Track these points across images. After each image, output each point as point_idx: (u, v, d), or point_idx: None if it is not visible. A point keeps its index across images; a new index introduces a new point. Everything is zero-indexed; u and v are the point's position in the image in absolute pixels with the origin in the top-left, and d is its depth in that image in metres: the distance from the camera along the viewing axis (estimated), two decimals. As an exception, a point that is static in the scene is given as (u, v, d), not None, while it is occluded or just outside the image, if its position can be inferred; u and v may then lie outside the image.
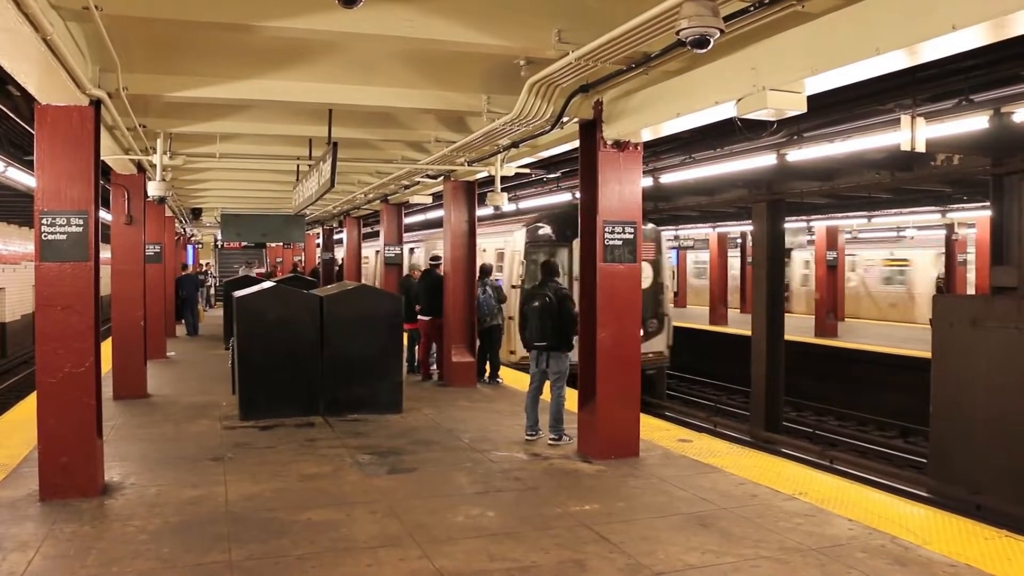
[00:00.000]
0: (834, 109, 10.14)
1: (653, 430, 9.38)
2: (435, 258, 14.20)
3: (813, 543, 5.87)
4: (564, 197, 18.18)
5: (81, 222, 6.92)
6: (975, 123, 8.78)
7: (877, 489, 7.33)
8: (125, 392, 11.65)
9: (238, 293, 11.60)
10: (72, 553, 5.62)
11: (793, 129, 11.08)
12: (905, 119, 8.59)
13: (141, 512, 6.53)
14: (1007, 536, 6.02)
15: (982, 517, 6.49)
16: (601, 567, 5.43)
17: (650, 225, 18.27)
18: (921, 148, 8.49)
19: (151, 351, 13.34)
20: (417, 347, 14.27)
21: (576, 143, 8.93)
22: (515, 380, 13.46)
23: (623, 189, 8.38)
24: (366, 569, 5.39)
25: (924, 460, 13.81)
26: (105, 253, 12.37)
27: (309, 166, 11.35)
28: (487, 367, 13.48)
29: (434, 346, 13.97)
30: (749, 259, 26.68)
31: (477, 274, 13.45)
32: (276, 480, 7.54)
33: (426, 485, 7.44)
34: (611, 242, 8.32)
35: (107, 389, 10.23)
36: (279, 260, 35.65)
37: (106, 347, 10.26)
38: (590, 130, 8.42)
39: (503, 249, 18.41)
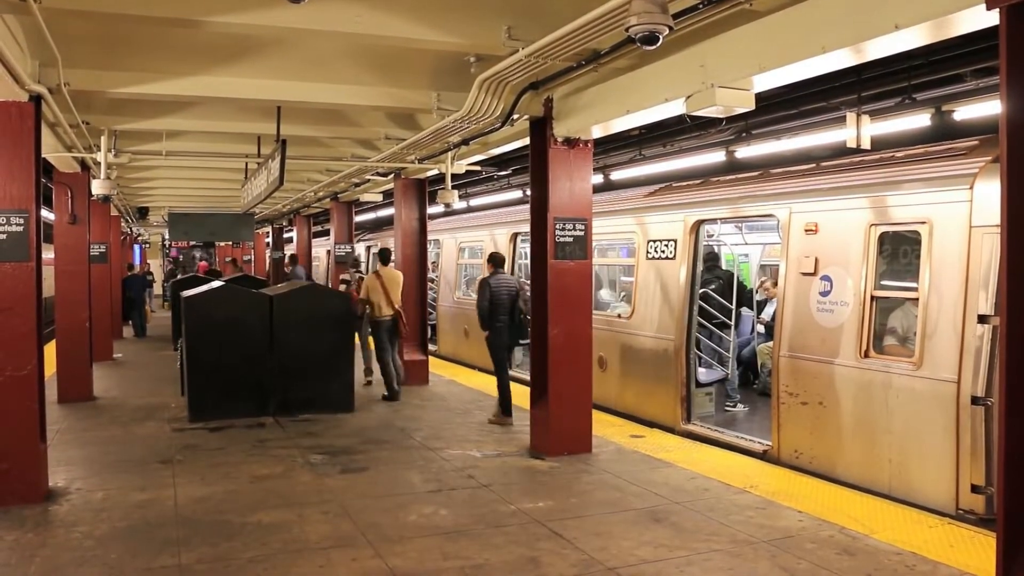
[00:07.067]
0: (782, 106, 10.25)
1: (606, 426, 9.42)
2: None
3: (764, 535, 5.94)
4: (515, 194, 18.18)
5: (21, 221, 6.78)
6: (918, 121, 8.94)
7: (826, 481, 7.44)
8: (70, 395, 11.39)
9: (186, 293, 11.42)
10: (14, 562, 5.48)
11: (741, 126, 11.18)
12: (851, 116, 8.70)
13: (87, 517, 6.39)
14: (949, 523, 6.16)
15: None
16: (555, 563, 5.44)
17: None
18: (866, 145, 8.61)
19: (97, 353, 13.08)
20: None
21: (527, 140, 8.92)
22: (468, 378, 13.44)
23: (574, 186, 8.41)
24: (318, 570, 5.34)
25: None
26: (48, 253, 12.14)
27: (258, 164, 11.22)
28: None
29: None
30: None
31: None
32: (226, 482, 7.43)
33: (378, 484, 7.40)
34: (562, 239, 8.34)
35: (51, 392, 10.04)
36: (228, 259, 35.21)
37: (50, 349, 10.05)
38: (540, 127, 8.43)
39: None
